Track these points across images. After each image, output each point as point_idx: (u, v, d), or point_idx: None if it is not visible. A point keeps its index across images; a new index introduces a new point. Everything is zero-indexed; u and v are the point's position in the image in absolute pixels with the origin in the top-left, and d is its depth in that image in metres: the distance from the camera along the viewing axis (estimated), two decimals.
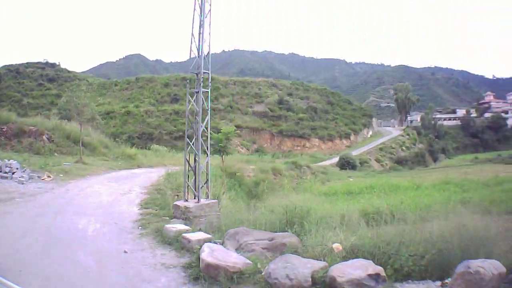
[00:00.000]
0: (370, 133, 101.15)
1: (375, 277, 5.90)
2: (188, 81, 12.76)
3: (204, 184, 12.23)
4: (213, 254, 7.11)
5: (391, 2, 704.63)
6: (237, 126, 76.25)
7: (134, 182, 17.09)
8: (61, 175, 19.75)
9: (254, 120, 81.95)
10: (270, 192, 25.40)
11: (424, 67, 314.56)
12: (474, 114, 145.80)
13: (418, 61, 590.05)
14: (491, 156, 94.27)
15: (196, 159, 11.77)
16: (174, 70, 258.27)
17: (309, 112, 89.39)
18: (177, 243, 8.78)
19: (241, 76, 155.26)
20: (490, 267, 5.66)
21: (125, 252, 8.44)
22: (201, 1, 11.28)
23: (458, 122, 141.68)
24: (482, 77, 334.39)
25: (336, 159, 62.44)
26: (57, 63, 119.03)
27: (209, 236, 8.95)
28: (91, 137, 32.34)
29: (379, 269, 6.03)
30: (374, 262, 6.41)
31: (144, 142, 62.66)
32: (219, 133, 22.74)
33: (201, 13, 11.37)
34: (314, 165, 50.56)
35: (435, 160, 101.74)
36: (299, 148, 78.86)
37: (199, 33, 11.44)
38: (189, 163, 12.26)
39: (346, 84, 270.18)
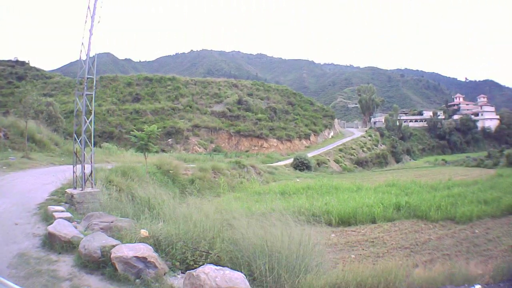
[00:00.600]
0: (332, 134, 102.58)
1: (143, 260, 7.21)
2: (78, 84, 14.78)
3: (90, 175, 14.16)
4: (55, 226, 9.14)
5: (360, 5, 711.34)
6: (195, 126, 78.69)
7: (62, 175, 19.02)
8: (5, 167, 21.77)
9: (212, 119, 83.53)
10: (207, 190, 27.66)
11: (394, 69, 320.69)
12: (441, 116, 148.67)
13: (388, 63, 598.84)
14: (458, 158, 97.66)
15: (92, 153, 14.16)
16: (142, 69, 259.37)
17: (268, 113, 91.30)
18: (51, 220, 10.75)
19: (209, 76, 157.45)
20: (219, 277, 6.10)
21: (16, 224, 10.85)
22: (91, 18, 13.03)
23: (425, 124, 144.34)
24: (454, 79, 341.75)
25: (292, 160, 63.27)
26: (27, 61, 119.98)
27: (70, 215, 10.99)
28: (42, 134, 34.12)
29: (150, 255, 7.32)
30: (161, 249, 8.07)
31: (105, 140, 64.36)
32: (142, 132, 24.96)
33: (91, 26, 13.17)
34: (266, 165, 51.95)
35: (398, 161, 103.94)
36: (256, 148, 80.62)
37: (88, 43, 13.33)
38: (77, 156, 14.38)
39: (314, 85, 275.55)
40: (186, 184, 27.82)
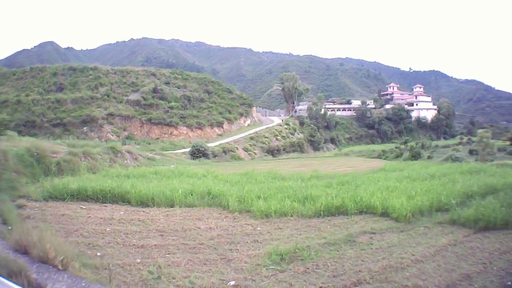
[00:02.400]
0: (248, 122, 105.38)
1: None
2: None
3: None
4: None
5: None
6: (110, 114, 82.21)
7: None
8: None
9: (126, 108, 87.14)
10: (70, 172, 32.27)
11: (334, 58, 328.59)
12: (372, 105, 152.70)
13: (328, 52, 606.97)
14: (387, 148, 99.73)
15: None
16: (84, 58, 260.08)
17: (182, 101, 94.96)
18: None
19: (147, 64, 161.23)
20: None
21: None
22: None
23: (353, 113, 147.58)
24: (397, 69, 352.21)
25: None
26: None
27: None
28: None
29: None
30: None
31: (28, 129, 69.20)
32: None
33: None
34: (158, 151, 55.00)
35: (316, 150, 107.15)
36: (166, 135, 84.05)
37: None
38: None
39: (251, 73, 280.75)
40: (50, 166, 31.86)
